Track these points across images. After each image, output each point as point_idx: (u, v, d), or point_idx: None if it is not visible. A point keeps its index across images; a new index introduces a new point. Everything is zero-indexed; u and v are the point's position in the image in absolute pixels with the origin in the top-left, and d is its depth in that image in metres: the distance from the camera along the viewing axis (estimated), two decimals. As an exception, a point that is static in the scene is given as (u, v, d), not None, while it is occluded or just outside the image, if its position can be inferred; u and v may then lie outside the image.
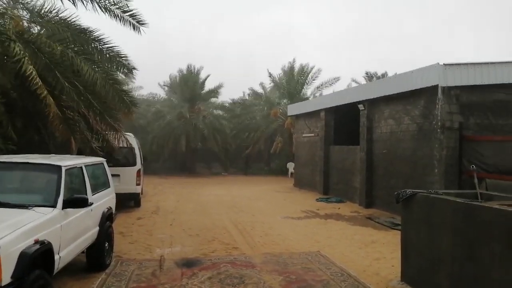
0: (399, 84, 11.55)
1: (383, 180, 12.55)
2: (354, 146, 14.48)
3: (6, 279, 3.49)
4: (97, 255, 6.06)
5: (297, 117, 20.52)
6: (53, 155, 7.10)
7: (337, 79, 27.44)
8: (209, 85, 28.62)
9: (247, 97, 31.87)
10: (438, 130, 10.03)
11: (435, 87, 9.96)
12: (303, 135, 19.47)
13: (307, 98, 26.69)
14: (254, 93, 30.71)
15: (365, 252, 7.62)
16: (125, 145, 11.31)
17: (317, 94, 27.73)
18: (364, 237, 8.87)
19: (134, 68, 9.94)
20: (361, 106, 13.54)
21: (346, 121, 16.31)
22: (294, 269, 6.37)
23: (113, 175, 7.57)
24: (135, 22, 9.30)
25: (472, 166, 6.85)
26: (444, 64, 9.79)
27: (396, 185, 11.07)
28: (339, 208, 13.19)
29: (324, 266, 6.55)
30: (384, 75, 27.56)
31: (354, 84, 27.51)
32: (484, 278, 4.26)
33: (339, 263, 6.71)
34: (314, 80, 28.16)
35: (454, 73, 9.86)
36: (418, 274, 5.39)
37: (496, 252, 4.12)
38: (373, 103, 13.12)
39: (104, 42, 9.37)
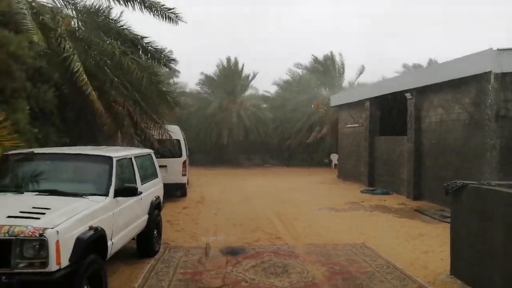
0: (448, 72, 11.04)
1: (432, 171, 12.12)
2: (401, 136, 14.07)
3: (65, 262, 3.72)
4: (146, 242, 6.33)
5: (340, 107, 20.16)
6: (104, 146, 7.43)
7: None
8: (250, 78, 28.88)
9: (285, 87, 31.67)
10: (492, 119, 9.53)
11: (488, 73, 9.44)
12: (347, 125, 19.13)
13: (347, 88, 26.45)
14: (291, 83, 30.45)
15: (413, 245, 7.42)
16: (171, 138, 11.61)
17: (358, 83, 27.36)
18: (412, 230, 8.64)
19: (177, 71, 10.32)
20: (408, 95, 13.11)
21: (391, 111, 15.85)
22: (338, 260, 6.33)
23: (160, 166, 7.83)
24: (174, 16, 9.78)
25: (529, 157, 6.46)
26: (498, 49, 9.26)
27: (446, 176, 10.63)
28: (385, 200, 12.90)
29: (369, 258, 6.46)
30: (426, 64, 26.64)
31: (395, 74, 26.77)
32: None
33: (385, 256, 6.58)
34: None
35: (509, 58, 9.30)
36: (468, 268, 5.20)
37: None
38: (421, 92, 12.65)
39: (148, 40, 9.73)
